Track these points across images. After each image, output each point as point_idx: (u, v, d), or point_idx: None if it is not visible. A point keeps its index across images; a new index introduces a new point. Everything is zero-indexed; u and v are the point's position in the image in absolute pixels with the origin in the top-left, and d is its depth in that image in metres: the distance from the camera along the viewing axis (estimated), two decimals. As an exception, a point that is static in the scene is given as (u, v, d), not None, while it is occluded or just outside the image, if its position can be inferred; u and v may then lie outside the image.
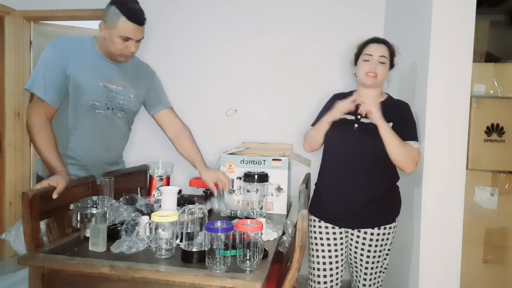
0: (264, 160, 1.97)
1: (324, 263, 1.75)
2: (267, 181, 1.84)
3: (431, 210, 1.67)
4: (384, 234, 1.69)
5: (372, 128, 1.63)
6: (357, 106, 1.71)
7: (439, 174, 1.66)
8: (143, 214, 1.51)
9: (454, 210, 1.65)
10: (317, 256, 1.76)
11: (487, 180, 2.03)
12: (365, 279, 1.73)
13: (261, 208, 1.81)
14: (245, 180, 1.82)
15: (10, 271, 2.48)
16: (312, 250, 1.79)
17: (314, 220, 1.79)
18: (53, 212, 1.50)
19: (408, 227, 1.84)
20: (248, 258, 1.22)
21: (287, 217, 1.93)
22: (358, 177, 1.67)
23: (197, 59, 2.70)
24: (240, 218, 1.66)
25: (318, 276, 1.75)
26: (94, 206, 1.43)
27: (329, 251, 1.75)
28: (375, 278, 1.73)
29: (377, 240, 1.69)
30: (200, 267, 1.21)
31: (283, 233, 1.63)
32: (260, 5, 2.63)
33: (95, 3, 2.46)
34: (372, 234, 1.69)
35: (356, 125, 1.70)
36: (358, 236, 1.71)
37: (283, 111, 2.63)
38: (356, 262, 1.75)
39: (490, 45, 2.53)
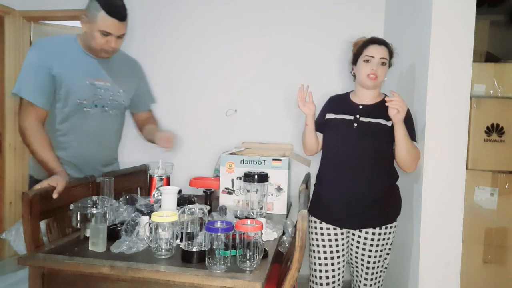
0: (264, 160, 1.97)
1: (326, 264, 1.74)
2: (267, 181, 1.83)
3: (431, 210, 1.67)
4: (385, 233, 1.69)
5: (372, 127, 1.63)
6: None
7: (439, 174, 1.66)
8: (143, 214, 1.51)
9: (454, 210, 1.65)
10: (319, 258, 1.76)
11: (487, 180, 2.03)
12: (366, 279, 1.73)
13: (261, 208, 1.81)
14: (245, 180, 1.82)
15: (10, 271, 2.47)
16: (314, 251, 1.78)
17: (315, 222, 1.78)
18: (53, 212, 1.51)
19: (408, 227, 1.84)
20: (248, 258, 1.22)
21: (287, 217, 1.93)
22: (358, 177, 1.67)
23: (197, 59, 2.70)
24: (240, 218, 1.66)
25: (320, 277, 1.75)
26: (94, 206, 1.43)
27: (331, 252, 1.74)
28: (376, 278, 1.73)
29: (378, 240, 1.69)
30: (200, 267, 1.21)
31: (283, 233, 1.62)
32: (260, 5, 2.63)
33: (95, 3, 2.46)
34: (373, 234, 1.69)
35: (355, 125, 1.69)
36: (359, 236, 1.71)
37: (283, 111, 2.63)
38: (357, 262, 1.75)
39: (490, 45, 2.53)
